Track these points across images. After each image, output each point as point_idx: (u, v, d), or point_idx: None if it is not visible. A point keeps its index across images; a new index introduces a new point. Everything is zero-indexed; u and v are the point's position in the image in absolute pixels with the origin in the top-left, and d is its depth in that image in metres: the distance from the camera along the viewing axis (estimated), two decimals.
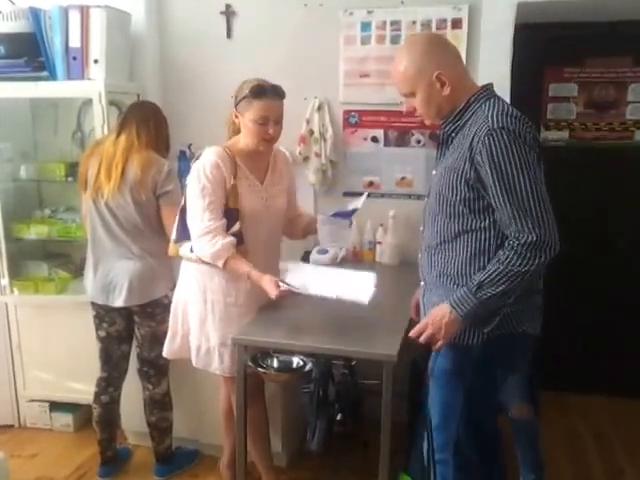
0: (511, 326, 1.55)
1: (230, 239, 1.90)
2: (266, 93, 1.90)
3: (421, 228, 1.72)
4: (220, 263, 1.90)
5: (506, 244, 1.46)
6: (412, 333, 1.58)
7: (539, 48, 2.75)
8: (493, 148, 1.42)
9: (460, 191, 1.51)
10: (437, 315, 1.52)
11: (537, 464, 2.15)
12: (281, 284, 1.82)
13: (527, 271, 1.43)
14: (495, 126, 1.43)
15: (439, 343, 1.53)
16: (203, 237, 1.91)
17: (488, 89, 1.58)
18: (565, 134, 2.95)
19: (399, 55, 1.57)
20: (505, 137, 1.41)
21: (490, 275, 1.46)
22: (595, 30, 2.75)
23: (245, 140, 1.97)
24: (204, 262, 1.95)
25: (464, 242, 1.55)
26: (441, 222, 1.58)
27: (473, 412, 1.61)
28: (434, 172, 1.65)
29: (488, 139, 1.43)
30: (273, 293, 1.82)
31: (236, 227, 1.94)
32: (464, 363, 1.58)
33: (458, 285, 1.54)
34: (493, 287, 1.45)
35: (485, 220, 1.51)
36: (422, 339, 1.55)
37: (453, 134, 1.58)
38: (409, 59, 1.54)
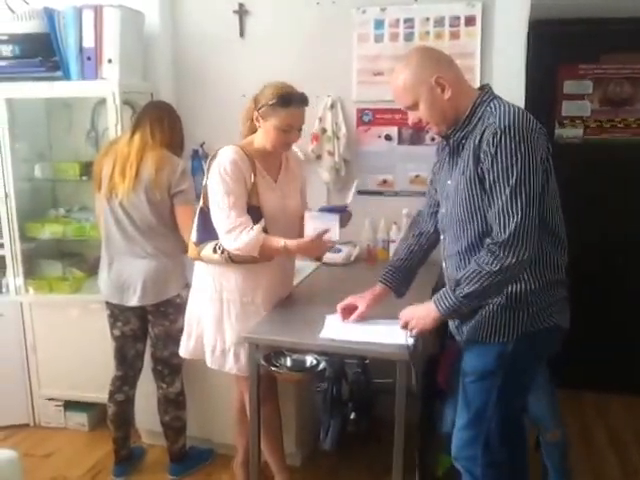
0: (542, 321, 1.55)
1: (257, 227, 1.89)
2: (293, 102, 1.89)
3: (441, 237, 1.73)
4: (256, 252, 1.88)
5: (485, 244, 1.48)
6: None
7: (553, 45, 2.74)
8: (498, 147, 1.43)
9: (477, 192, 1.51)
10: (422, 309, 1.62)
11: (568, 473, 2.16)
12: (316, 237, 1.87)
13: (498, 270, 1.44)
14: (501, 125, 1.44)
15: (414, 331, 1.63)
16: (232, 232, 1.88)
17: (489, 90, 1.58)
18: (580, 131, 2.93)
19: (395, 72, 1.59)
20: (510, 137, 1.42)
21: (466, 273, 1.49)
22: (610, 26, 2.73)
23: (262, 142, 1.96)
24: (227, 262, 1.94)
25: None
26: (467, 228, 1.58)
27: (503, 410, 1.60)
28: (449, 182, 1.64)
29: (493, 138, 1.44)
30: (320, 251, 1.91)
31: (261, 224, 1.92)
32: (496, 362, 1.58)
33: None
34: (468, 285, 1.48)
35: None
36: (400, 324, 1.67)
37: (463, 141, 1.57)
38: (406, 72, 1.56)
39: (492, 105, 1.52)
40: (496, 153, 1.43)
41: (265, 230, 1.93)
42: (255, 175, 1.94)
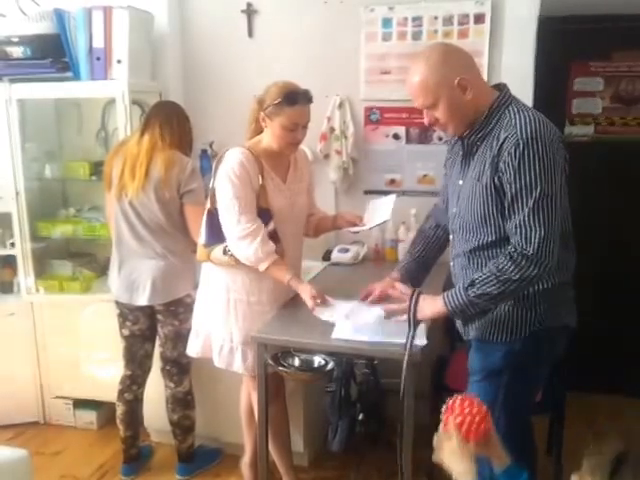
0: (550, 321, 1.54)
1: (271, 245, 1.90)
2: (299, 100, 1.89)
3: (450, 237, 1.73)
4: (262, 268, 1.90)
5: (506, 251, 1.46)
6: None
7: (564, 42, 2.70)
8: (520, 160, 1.42)
9: (492, 199, 1.51)
10: (429, 299, 1.58)
11: None
12: (319, 301, 1.87)
13: (518, 279, 1.44)
14: (524, 135, 1.43)
15: (404, 317, 1.60)
16: (243, 240, 1.89)
17: (507, 92, 1.56)
18: (591, 129, 2.89)
19: (415, 68, 1.53)
20: (533, 149, 1.41)
21: (484, 275, 1.47)
22: (621, 22, 2.69)
23: (269, 142, 1.96)
24: (238, 263, 1.94)
25: (500, 249, 1.53)
26: (478, 233, 1.58)
27: (509, 411, 1.59)
28: (460, 182, 1.63)
29: (515, 150, 1.43)
30: (310, 305, 1.86)
31: (271, 226, 1.93)
32: (503, 361, 1.57)
33: None
34: (483, 287, 1.46)
35: None
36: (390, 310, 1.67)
37: (478, 143, 1.55)
38: (428, 69, 1.50)
39: (511, 110, 1.50)
40: (519, 165, 1.42)
41: (276, 232, 1.94)
42: (263, 177, 1.93)
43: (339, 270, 2.55)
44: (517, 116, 1.47)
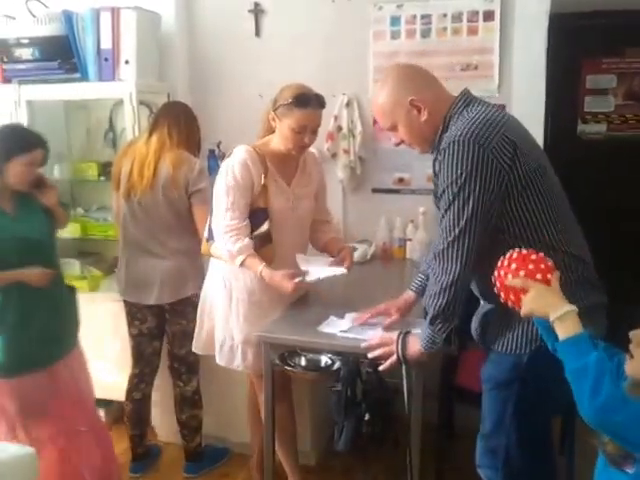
0: None
1: (248, 241, 1.89)
2: (309, 103, 1.87)
3: None
4: (238, 262, 1.90)
5: None
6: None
7: (576, 39, 2.68)
8: (446, 159, 1.42)
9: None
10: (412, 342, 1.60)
11: None
12: (297, 279, 1.83)
13: (436, 281, 1.48)
14: (455, 136, 1.42)
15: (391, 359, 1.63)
16: (224, 235, 1.90)
17: (460, 101, 1.53)
18: (603, 127, 2.85)
19: (375, 92, 1.59)
20: (458, 147, 1.40)
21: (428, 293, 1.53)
22: (635, 18, 2.65)
23: (277, 143, 1.95)
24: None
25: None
26: None
27: (523, 426, 1.55)
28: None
29: (444, 151, 1.43)
30: (288, 288, 1.82)
31: (265, 227, 1.93)
32: (511, 373, 1.54)
33: None
34: (432, 302, 1.50)
35: (506, 235, 1.48)
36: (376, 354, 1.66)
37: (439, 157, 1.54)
38: (382, 94, 1.55)
39: (459, 117, 1.49)
40: (446, 165, 1.42)
41: (269, 232, 1.93)
42: (266, 177, 1.93)
43: None
44: (459, 121, 1.47)
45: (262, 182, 1.92)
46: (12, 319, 1.92)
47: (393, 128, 1.57)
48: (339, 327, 1.85)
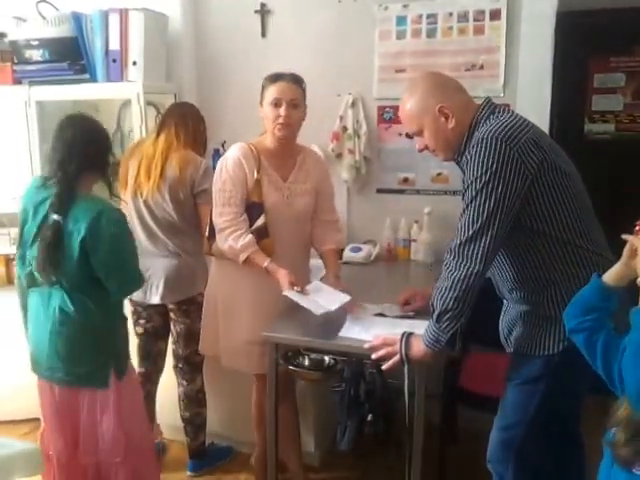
0: None
1: (250, 238, 1.91)
2: (282, 77, 1.93)
3: None
4: (242, 259, 1.92)
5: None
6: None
7: (583, 37, 2.65)
8: (474, 155, 1.44)
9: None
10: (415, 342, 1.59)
11: None
12: (295, 288, 1.85)
13: (448, 276, 1.48)
14: (484, 134, 1.45)
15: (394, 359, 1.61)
16: (224, 231, 1.93)
17: (485, 108, 1.56)
18: (611, 126, 2.82)
19: (404, 97, 1.62)
20: (486, 144, 1.42)
21: (436, 290, 1.52)
22: None
23: (267, 132, 1.98)
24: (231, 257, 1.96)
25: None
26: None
27: (550, 418, 1.56)
28: None
29: (472, 148, 1.45)
30: (285, 287, 1.85)
31: (261, 220, 1.95)
32: (542, 370, 1.54)
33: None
34: (440, 299, 1.50)
35: (535, 236, 1.49)
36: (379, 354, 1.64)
37: (464, 166, 1.56)
38: (412, 99, 1.59)
39: (485, 123, 1.51)
40: (472, 159, 1.45)
41: (265, 226, 1.94)
42: (259, 172, 1.95)
43: (351, 269, 2.53)
44: (484, 126, 1.50)
45: (255, 177, 1.94)
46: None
47: (419, 133, 1.61)
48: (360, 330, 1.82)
